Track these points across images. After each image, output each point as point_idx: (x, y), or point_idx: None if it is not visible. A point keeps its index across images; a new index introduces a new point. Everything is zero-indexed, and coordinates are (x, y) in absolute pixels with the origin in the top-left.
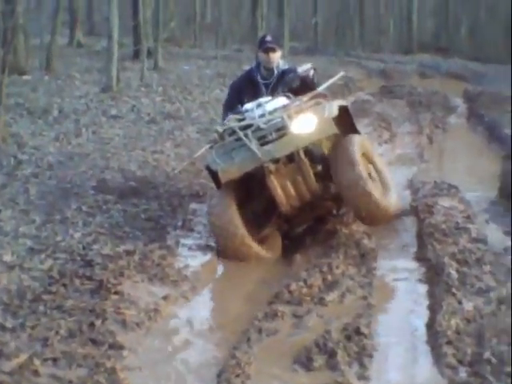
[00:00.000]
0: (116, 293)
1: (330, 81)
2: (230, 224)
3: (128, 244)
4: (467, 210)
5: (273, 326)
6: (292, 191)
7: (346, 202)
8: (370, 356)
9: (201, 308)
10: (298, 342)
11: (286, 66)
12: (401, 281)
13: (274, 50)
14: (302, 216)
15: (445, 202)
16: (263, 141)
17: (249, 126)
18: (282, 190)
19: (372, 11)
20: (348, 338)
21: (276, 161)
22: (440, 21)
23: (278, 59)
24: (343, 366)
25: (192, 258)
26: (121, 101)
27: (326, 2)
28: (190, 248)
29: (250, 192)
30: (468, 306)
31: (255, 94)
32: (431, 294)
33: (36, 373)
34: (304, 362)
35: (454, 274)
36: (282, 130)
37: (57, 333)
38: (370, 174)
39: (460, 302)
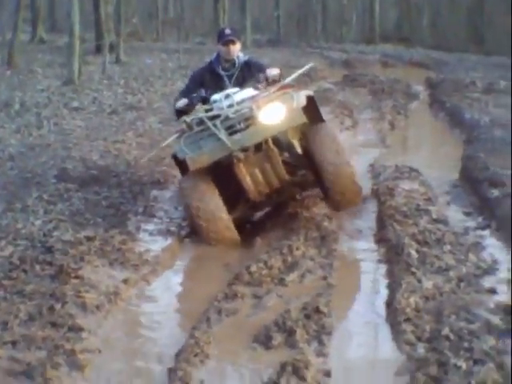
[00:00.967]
0: (76, 277)
1: (299, 71)
2: (216, 208)
3: (89, 230)
4: (428, 192)
5: (232, 307)
6: (260, 179)
7: (330, 188)
8: (329, 334)
9: (161, 290)
10: (258, 322)
11: (246, 57)
12: (361, 261)
13: (233, 43)
14: (266, 201)
15: (406, 185)
16: (232, 130)
17: (217, 116)
18: (251, 178)
19: (334, 2)
20: (307, 316)
21: (245, 149)
22: (402, 11)
23: (237, 51)
24: (302, 343)
25: (153, 243)
26: (82, 93)
27: None
28: (150, 233)
29: (218, 179)
30: (427, 284)
31: (219, 86)
32: (391, 274)
33: None
34: (263, 340)
35: (414, 254)
36: (250, 120)
37: (16, 316)
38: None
39: (419, 281)
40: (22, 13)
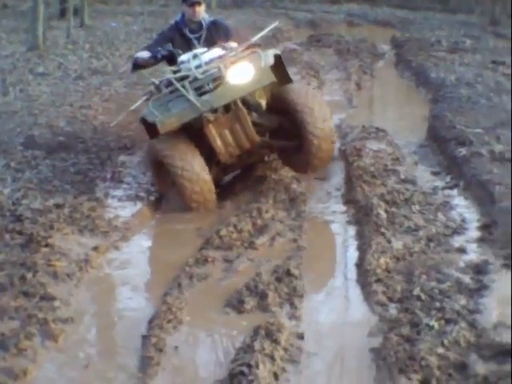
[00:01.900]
0: (46, 245)
1: (264, 31)
2: (201, 169)
3: (57, 198)
4: (395, 152)
5: (204, 272)
6: (231, 140)
7: (313, 152)
8: (301, 296)
9: (132, 257)
10: (229, 286)
11: (212, 18)
12: (330, 223)
13: (199, 4)
14: (235, 163)
15: (373, 146)
16: (200, 91)
17: (185, 77)
18: (221, 139)
19: None
20: (278, 279)
21: (214, 110)
22: None
23: (203, 12)
24: (274, 307)
25: (122, 209)
26: (47, 59)
27: None
28: (119, 199)
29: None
30: (397, 244)
31: (188, 48)
32: (360, 235)
33: None
34: (235, 304)
35: (383, 214)
36: (219, 80)
37: None
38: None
39: (389, 241)
40: None
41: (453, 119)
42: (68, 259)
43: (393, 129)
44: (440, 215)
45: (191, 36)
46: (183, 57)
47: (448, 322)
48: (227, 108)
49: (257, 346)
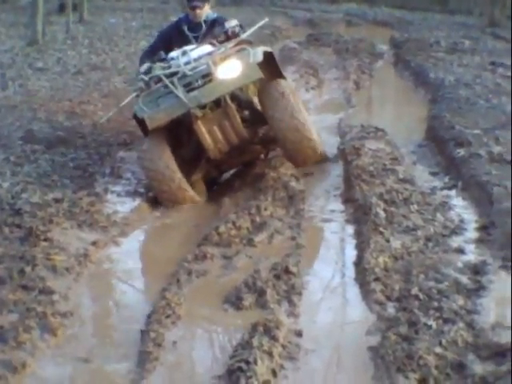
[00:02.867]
0: (45, 239)
1: (254, 27)
2: (166, 169)
3: (56, 192)
4: (394, 151)
5: (202, 268)
6: (219, 136)
7: (285, 146)
8: (299, 294)
9: (130, 252)
10: (228, 283)
11: (215, 15)
12: (329, 221)
13: (200, 8)
14: (230, 161)
15: (372, 145)
16: (189, 87)
17: (175, 74)
18: (210, 135)
19: None
20: (277, 277)
21: (203, 106)
22: None
23: (205, 13)
24: (273, 304)
25: (121, 204)
26: (47, 54)
27: None
28: (118, 194)
29: (179, 139)
30: (395, 243)
31: (185, 45)
32: (359, 234)
33: None
34: (234, 301)
35: (382, 214)
36: (207, 77)
37: None
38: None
39: (388, 241)
40: None
41: (451, 120)
42: (67, 253)
43: (391, 128)
44: (438, 215)
45: (190, 34)
46: (173, 53)
47: (446, 321)
48: (216, 104)
49: (255, 342)
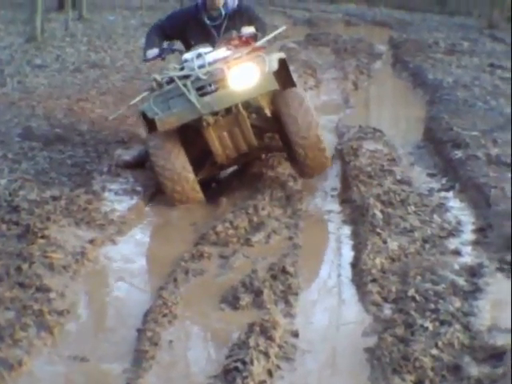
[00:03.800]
0: (43, 237)
1: (271, 34)
2: (183, 169)
3: (54, 189)
4: (392, 152)
5: (199, 267)
6: (229, 143)
7: (301, 160)
8: (296, 294)
9: (127, 250)
10: (225, 282)
11: (236, 4)
12: (326, 222)
13: None
14: (233, 162)
15: (370, 146)
16: (202, 91)
17: (188, 77)
18: (219, 141)
19: None
20: (274, 277)
21: (214, 113)
22: None
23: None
24: (269, 304)
25: (118, 202)
26: (45, 51)
27: None
28: (116, 193)
29: (186, 138)
30: (392, 245)
31: (205, 39)
32: (356, 234)
33: None
34: (231, 301)
35: (379, 215)
36: (221, 82)
37: None
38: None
39: (385, 242)
40: None
41: (449, 121)
42: (64, 251)
43: (389, 129)
44: (435, 217)
45: (209, 23)
46: (187, 55)
47: (442, 323)
48: (228, 110)
49: (251, 342)
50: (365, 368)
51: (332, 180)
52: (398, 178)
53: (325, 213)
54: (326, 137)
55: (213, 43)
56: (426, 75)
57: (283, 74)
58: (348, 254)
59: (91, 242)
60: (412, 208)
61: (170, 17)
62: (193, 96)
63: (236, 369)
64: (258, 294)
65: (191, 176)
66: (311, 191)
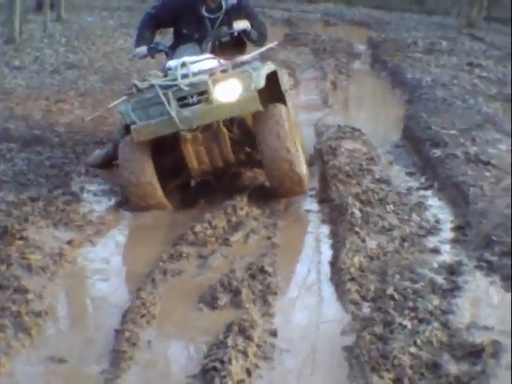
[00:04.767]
0: (21, 238)
1: (263, 48)
2: (148, 185)
3: (32, 191)
4: (370, 152)
5: (177, 267)
6: (205, 158)
7: (267, 172)
8: (274, 294)
9: (106, 251)
10: (203, 282)
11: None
12: (305, 221)
13: None
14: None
15: (348, 145)
16: (183, 102)
17: (170, 86)
18: (196, 156)
19: None
20: (252, 276)
21: (194, 128)
22: None
23: None
24: (248, 303)
25: (97, 203)
26: (24, 52)
27: None
28: (94, 194)
29: (161, 145)
30: (371, 243)
31: (198, 30)
32: (335, 234)
33: None
34: (209, 300)
35: (358, 214)
36: (203, 95)
37: None
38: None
39: (363, 240)
40: None
41: (428, 120)
42: (42, 252)
43: (368, 129)
44: (414, 215)
45: (206, 15)
46: (171, 62)
47: (421, 321)
48: (207, 126)
49: (230, 342)
50: (343, 366)
51: (311, 179)
52: (377, 177)
53: (303, 212)
54: (304, 137)
55: (204, 36)
56: (404, 74)
57: (272, 87)
58: (327, 252)
59: (69, 243)
60: (391, 207)
61: (164, 3)
62: (173, 108)
63: (214, 368)
64: (236, 293)
65: (158, 192)
66: None
